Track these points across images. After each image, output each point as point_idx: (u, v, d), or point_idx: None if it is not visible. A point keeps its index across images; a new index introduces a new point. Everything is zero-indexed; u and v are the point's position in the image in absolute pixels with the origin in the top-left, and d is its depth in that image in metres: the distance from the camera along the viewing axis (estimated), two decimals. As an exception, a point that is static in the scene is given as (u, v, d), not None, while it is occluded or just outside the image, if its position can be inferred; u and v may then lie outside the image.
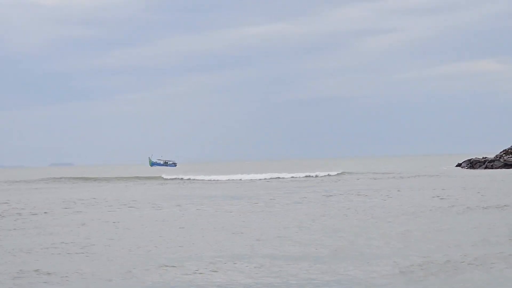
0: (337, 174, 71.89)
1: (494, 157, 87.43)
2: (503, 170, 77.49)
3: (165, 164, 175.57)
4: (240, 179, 68.57)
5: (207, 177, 72.00)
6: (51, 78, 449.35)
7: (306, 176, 69.34)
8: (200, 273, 15.90)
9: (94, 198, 42.43)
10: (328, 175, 70.87)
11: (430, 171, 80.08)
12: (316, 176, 69.82)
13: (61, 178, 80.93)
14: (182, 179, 71.71)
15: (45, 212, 32.90)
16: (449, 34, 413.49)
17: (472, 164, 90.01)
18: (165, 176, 75.46)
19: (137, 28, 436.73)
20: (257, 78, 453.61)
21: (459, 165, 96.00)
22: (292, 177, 69.73)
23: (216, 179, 70.08)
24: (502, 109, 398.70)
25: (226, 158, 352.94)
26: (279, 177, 69.49)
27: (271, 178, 68.25)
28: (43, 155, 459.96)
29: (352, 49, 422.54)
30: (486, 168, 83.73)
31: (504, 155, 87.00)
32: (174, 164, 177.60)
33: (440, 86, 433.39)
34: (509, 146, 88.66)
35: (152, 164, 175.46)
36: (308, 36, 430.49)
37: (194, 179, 70.95)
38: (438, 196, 36.78)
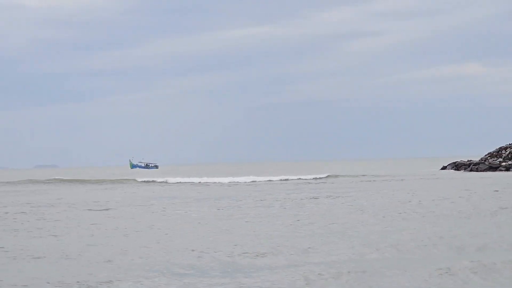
0: (315, 178, 69.46)
1: (479, 160, 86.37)
2: (488, 173, 76.26)
3: (147, 166, 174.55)
4: (218, 182, 66.71)
5: (183, 179, 70.42)
6: (34, 80, 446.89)
7: (281, 180, 67.33)
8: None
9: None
10: (299, 178, 68.99)
11: (412, 174, 78.63)
12: (287, 180, 67.77)
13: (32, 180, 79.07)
14: (154, 181, 70.01)
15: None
16: (434, 37, 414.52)
17: (457, 167, 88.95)
18: (138, 179, 74.18)
19: (126, 30, 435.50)
20: (243, 81, 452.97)
21: (444, 168, 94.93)
22: (269, 180, 68.06)
23: (190, 181, 68.37)
24: (487, 112, 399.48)
25: (213, 161, 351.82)
26: (255, 181, 67.60)
27: (251, 182, 66.21)
28: (28, 156, 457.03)
29: (337, 52, 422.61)
30: (471, 171, 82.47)
31: (489, 158, 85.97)
32: (156, 167, 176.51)
33: (426, 89, 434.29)
34: (494, 149, 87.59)
35: (133, 166, 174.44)
36: (294, 39, 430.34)
37: (167, 182, 69.28)
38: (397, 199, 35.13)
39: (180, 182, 68.20)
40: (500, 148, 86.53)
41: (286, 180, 67.06)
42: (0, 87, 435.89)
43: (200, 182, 66.13)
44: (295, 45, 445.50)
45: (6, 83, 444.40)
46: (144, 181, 70.58)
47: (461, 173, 78.16)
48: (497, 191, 39.53)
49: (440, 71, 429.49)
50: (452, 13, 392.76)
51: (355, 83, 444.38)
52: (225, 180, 68.79)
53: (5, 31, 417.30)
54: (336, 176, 73.94)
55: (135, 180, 73.30)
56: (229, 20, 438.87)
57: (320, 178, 69.60)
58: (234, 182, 66.11)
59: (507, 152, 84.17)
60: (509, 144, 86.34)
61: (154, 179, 73.97)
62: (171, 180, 71.04)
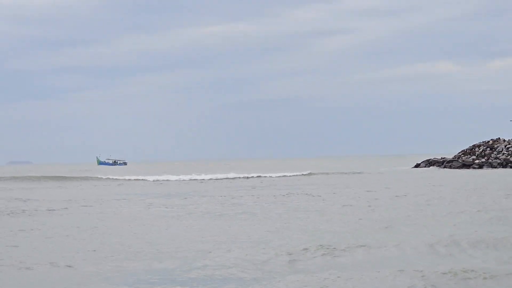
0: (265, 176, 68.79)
1: (453, 158, 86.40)
2: (461, 170, 76.37)
3: (114, 163, 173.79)
4: (181, 179, 66.07)
5: (148, 177, 69.29)
6: (7, 77, 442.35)
7: (244, 178, 66.76)
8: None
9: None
10: (248, 176, 68.65)
11: (382, 171, 78.52)
12: (240, 177, 67.25)
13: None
14: (117, 179, 68.98)
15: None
16: (406, 35, 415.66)
17: (431, 164, 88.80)
18: (100, 176, 73.52)
19: (95, 27, 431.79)
20: (214, 78, 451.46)
21: (417, 165, 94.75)
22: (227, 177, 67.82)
23: (158, 179, 67.24)
24: (459, 110, 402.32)
25: (186, 158, 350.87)
26: (218, 178, 67.34)
27: (216, 179, 65.58)
28: (0, 153, 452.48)
29: (309, 50, 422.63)
30: (444, 168, 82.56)
31: (462, 155, 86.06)
32: (124, 163, 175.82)
33: (398, 88, 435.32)
34: (467, 147, 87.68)
35: (100, 163, 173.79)
36: (266, 37, 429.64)
37: (129, 179, 68.27)
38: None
39: (146, 180, 66.76)
40: (474, 145, 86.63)
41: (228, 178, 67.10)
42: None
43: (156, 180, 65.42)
44: (266, 43, 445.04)
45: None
46: (106, 178, 69.61)
47: (423, 170, 78.62)
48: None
49: (412, 69, 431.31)
50: (423, 11, 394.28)
51: (326, 81, 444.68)
52: (202, 176, 68.70)
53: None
54: (313, 174, 73.59)
55: (97, 177, 72.07)
56: (200, 17, 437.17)
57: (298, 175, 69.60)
58: (198, 179, 66.01)
59: (480, 150, 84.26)
60: (482, 142, 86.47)
61: (117, 176, 73.18)
62: (132, 178, 70.21)
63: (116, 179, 68.78)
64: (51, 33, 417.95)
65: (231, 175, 72.37)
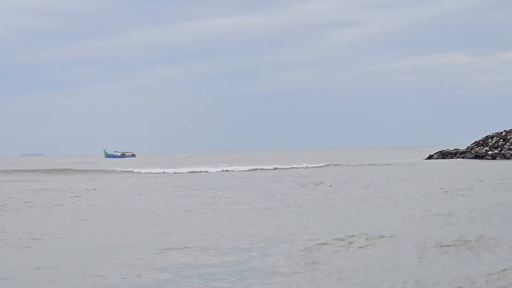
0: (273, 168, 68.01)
1: (466, 149, 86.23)
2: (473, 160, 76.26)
3: (123, 155, 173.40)
4: (183, 172, 65.28)
5: (153, 170, 68.53)
6: (18, 69, 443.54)
7: (250, 170, 65.85)
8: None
9: None
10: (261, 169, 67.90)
11: (398, 162, 78.39)
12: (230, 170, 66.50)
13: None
14: (122, 171, 68.42)
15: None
16: (418, 27, 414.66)
17: (444, 155, 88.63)
18: (92, 168, 73.15)
19: (102, 19, 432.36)
20: (224, 70, 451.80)
21: (431, 156, 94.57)
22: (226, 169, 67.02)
23: (162, 171, 66.62)
24: (472, 101, 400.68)
25: (196, 149, 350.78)
26: (228, 170, 66.74)
27: (222, 171, 64.98)
28: (13, 145, 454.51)
29: (320, 42, 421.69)
30: (457, 159, 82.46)
31: (475, 146, 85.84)
32: (133, 155, 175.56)
33: (410, 79, 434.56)
34: (480, 138, 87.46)
35: (108, 156, 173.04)
36: (277, 28, 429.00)
37: (132, 171, 67.77)
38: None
39: (151, 172, 65.93)
40: (487, 137, 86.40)
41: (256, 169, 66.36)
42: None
43: (182, 172, 64.77)
44: (276, 35, 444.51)
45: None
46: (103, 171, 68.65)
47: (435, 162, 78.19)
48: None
49: (424, 61, 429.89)
50: (436, 2, 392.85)
51: (337, 73, 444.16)
52: (213, 169, 68.46)
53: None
54: (334, 164, 73.51)
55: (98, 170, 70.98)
56: (210, 10, 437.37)
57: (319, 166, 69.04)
58: (207, 171, 65.56)
59: (493, 141, 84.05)
60: (496, 133, 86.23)
61: (121, 168, 72.58)
62: (135, 170, 69.75)
63: (163, 172, 65.95)
64: (62, 26, 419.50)
65: (271, 166, 71.43)
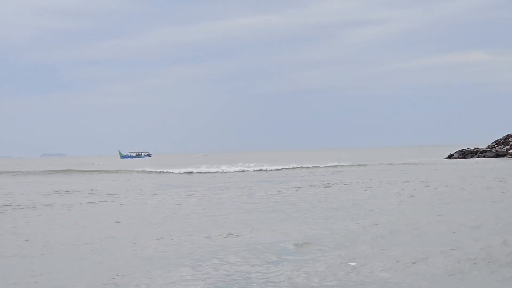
0: (288, 168, 66.97)
1: (486, 148, 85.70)
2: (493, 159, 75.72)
3: (138, 156, 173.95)
4: (198, 171, 64.70)
5: (164, 169, 68.36)
6: (38, 69, 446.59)
7: (260, 170, 64.99)
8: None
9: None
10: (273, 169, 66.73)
11: (418, 161, 77.95)
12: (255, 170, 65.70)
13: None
14: (131, 171, 67.92)
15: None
16: (437, 25, 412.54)
17: (464, 154, 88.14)
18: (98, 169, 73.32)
19: (122, 20, 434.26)
20: (243, 70, 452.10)
21: (451, 155, 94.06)
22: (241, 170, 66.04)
23: (169, 171, 66.27)
24: (492, 100, 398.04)
25: (213, 149, 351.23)
26: (243, 170, 65.82)
27: (236, 171, 64.06)
28: (34, 145, 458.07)
29: (338, 40, 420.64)
30: (478, 158, 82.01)
31: (496, 145, 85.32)
32: (149, 155, 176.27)
33: (429, 77, 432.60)
34: (501, 137, 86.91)
35: (123, 157, 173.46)
36: (295, 28, 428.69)
37: (143, 171, 67.42)
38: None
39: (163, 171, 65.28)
40: (507, 135, 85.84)
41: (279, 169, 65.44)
42: (4, 76, 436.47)
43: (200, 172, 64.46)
44: (295, 34, 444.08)
45: (10, 72, 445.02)
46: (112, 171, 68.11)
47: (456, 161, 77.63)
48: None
49: (443, 59, 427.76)
50: (454, 1, 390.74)
51: (357, 71, 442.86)
52: (232, 168, 68.23)
53: (8, 21, 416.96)
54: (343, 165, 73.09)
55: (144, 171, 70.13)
56: (229, 9, 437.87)
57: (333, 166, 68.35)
58: (225, 171, 64.89)
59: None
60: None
61: (137, 168, 72.32)
62: (147, 169, 69.43)
63: (190, 171, 65.23)
64: (81, 26, 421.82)
65: (294, 165, 71.09)
